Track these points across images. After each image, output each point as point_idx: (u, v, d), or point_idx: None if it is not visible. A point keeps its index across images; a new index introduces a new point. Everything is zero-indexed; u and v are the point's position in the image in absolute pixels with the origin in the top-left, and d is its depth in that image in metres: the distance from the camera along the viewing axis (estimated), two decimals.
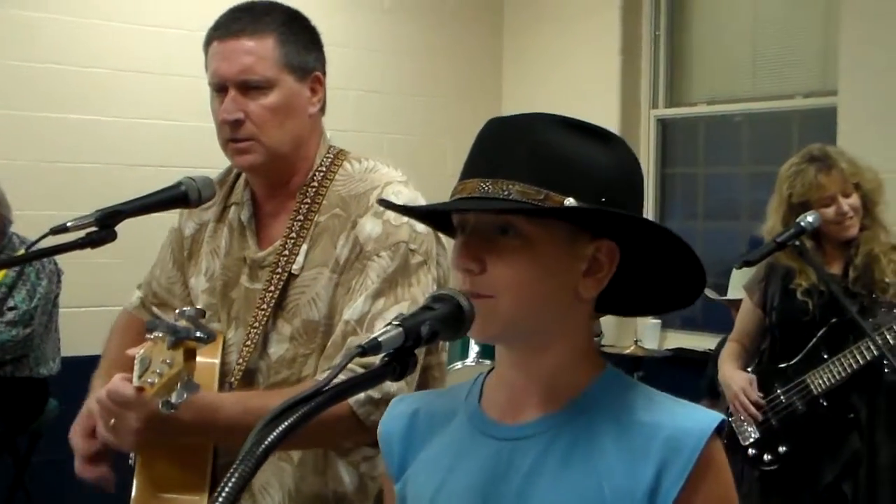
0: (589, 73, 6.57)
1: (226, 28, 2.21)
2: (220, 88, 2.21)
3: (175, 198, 2.11)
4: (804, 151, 3.85)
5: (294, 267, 2.21)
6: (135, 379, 1.87)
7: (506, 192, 1.33)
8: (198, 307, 1.91)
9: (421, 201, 2.21)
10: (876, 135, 5.08)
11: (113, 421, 1.96)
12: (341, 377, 1.14)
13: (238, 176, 2.38)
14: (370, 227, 2.17)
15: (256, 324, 2.22)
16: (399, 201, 2.14)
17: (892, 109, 5.15)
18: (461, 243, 1.38)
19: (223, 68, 2.19)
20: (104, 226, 1.97)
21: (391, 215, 2.16)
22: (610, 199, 1.34)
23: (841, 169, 3.70)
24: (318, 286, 2.19)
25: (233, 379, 2.22)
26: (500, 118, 1.43)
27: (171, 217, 2.42)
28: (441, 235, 2.24)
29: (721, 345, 4.50)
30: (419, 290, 2.15)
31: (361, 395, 2.02)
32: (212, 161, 2.49)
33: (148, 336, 1.83)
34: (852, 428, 3.69)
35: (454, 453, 1.45)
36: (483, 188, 1.34)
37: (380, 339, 1.17)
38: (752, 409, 3.80)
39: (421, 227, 2.17)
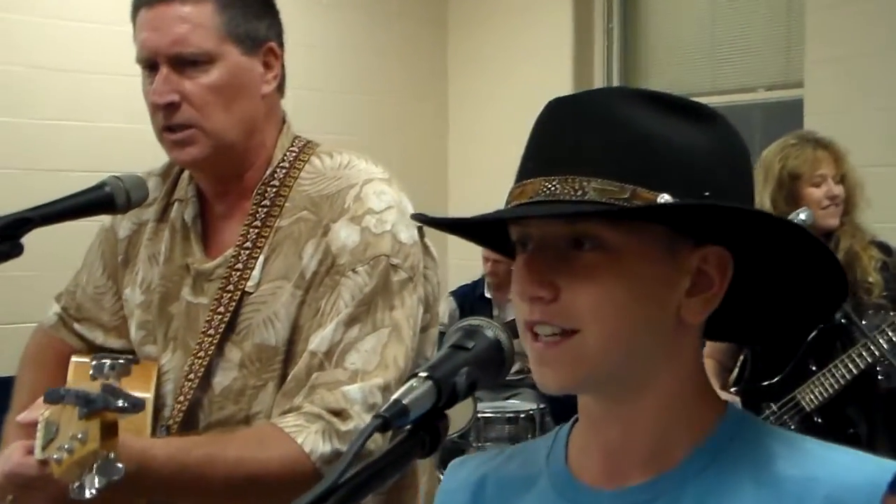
0: (539, 68, 6.32)
1: None
2: (150, 65, 1.85)
3: (98, 201, 1.72)
4: (794, 134, 3.72)
5: (249, 284, 1.85)
6: (37, 450, 1.52)
7: (580, 192, 1.03)
8: (123, 359, 1.54)
9: (406, 202, 1.87)
10: (846, 129, 4.83)
11: (11, 498, 1.61)
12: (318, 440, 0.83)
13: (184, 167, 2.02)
14: (345, 234, 1.82)
15: (201, 353, 1.86)
16: (382, 203, 1.83)
17: (863, 101, 4.95)
18: (525, 263, 1.08)
19: (152, 39, 1.82)
20: (7, 237, 1.57)
21: (371, 221, 1.82)
22: (716, 193, 1.04)
23: (836, 150, 3.56)
24: (277, 303, 1.84)
25: (171, 422, 1.86)
26: (564, 97, 1.12)
27: (96, 220, 2.06)
28: (429, 243, 1.92)
29: None
30: (402, 314, 1.81)
31: (327, 449, 1.70)
32: (144, 166, 2.13)
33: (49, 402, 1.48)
34: (852, 445, 3.43)
35: None
36: (549, 189, 1.05)
37: (405, 401, 0.85)
38: None
39: (405, 235, 1.84)
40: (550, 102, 1.12)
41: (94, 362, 1.49)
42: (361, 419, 1.73)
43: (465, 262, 5.76)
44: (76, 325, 2.11)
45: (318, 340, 1.78)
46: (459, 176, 6.70)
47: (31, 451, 1.55)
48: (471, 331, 0.97)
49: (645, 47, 6.31)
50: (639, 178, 1.02)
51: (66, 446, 1.43)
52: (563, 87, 6.23)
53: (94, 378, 1.48)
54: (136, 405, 1.43)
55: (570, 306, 1.04)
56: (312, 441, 1.70)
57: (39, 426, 1.53)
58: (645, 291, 1.05)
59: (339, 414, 1.72)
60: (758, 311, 1.17)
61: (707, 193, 1.04)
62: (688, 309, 1.08)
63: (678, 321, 1.08)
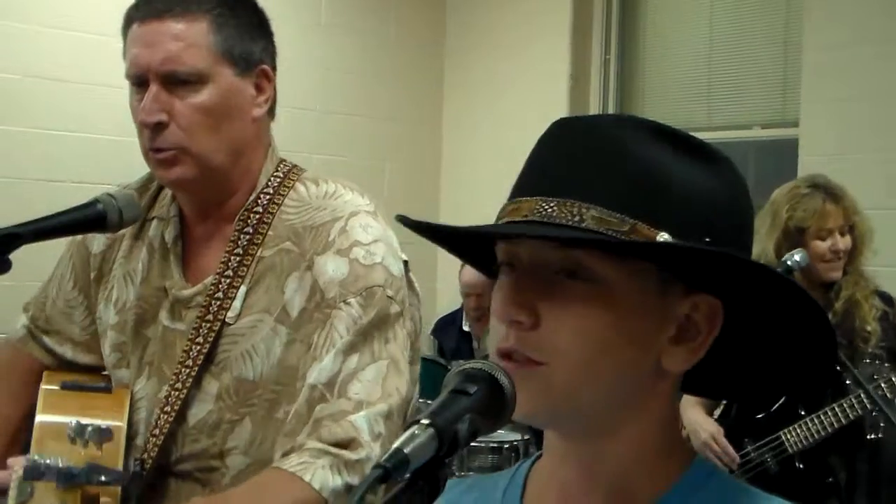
0: (535, 99, 6.27)
1: (148, 6, 1.81)
2: (139, 82, 1.81)
3: (90, 219, 1.68)
4: (806, 177, 3.70)
5: (229, 315, 1.81)
6: None
7: (576, 218, 0.98)
8: (104, 425, 1.49)
9: (391, 236, 1.84)
10: (841, 170, 4.82)
11: None
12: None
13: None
14: (333, 267, 1.78)
15: (178, 384, 1.81)
16: (369, 236, 1.79)
17: (858, 142, 4.93)
18: (508, 284, 1.02)
19: (143, 56, 1.79)
20: None
21: (360, 253, 1.78)
22: (715, 240, 0.99)
23: (846, 204, 3.53)
24: (256, 337, 1.80)
25: (145, 455, 1.79)
26: (572, 119, 1.08)
27: None
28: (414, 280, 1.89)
29: None
30: (397, 348, 1.76)
31: (338, 483, 1.64)
32: (136, 178, 2.09)
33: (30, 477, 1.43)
34: (830, 493, 3.42)
35: None
36: (545, 210, 0.99)
37: (406, 451, 0.80)
38: (731, 451, 3.50)
39: (396, 268, 1.80)
40: (557, 122, 1.08)
41: (72, 422, 1.45)
42: (371, 448, 1.67)
43: (454, 287, 5.72)
44: (45, 339, 2.05)
45: (316, 373, 1.73)
46: (452, 199, 6.66)
47: None
48: (472, 375, 0.92)
49: (641, 80, 6.28)
50: (640, 213, 0.98)
51: None
52: (559, 115, 6.16)
53: (72, 441, 1.44)
54: (118, 479, 1.39)
55: (547, 337, 0.99)
56: (322, 476, 1.64)
57: (12, 485, 1.48)
58: (629, 331, 1.00)
59: (349, 444, 1.67)
60: (741, 369, 1.12)
61: (707, 239, 0.99)
62: (670, 357, 1.03)
63: (657, 368, 1.03)
